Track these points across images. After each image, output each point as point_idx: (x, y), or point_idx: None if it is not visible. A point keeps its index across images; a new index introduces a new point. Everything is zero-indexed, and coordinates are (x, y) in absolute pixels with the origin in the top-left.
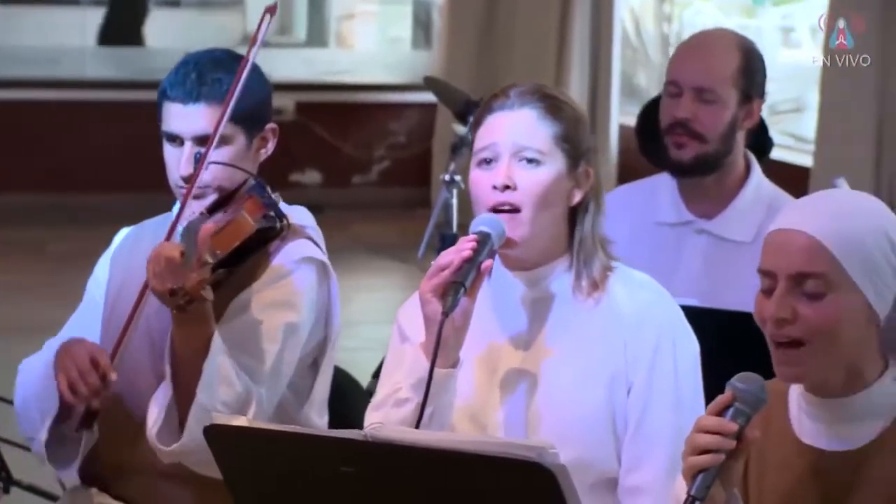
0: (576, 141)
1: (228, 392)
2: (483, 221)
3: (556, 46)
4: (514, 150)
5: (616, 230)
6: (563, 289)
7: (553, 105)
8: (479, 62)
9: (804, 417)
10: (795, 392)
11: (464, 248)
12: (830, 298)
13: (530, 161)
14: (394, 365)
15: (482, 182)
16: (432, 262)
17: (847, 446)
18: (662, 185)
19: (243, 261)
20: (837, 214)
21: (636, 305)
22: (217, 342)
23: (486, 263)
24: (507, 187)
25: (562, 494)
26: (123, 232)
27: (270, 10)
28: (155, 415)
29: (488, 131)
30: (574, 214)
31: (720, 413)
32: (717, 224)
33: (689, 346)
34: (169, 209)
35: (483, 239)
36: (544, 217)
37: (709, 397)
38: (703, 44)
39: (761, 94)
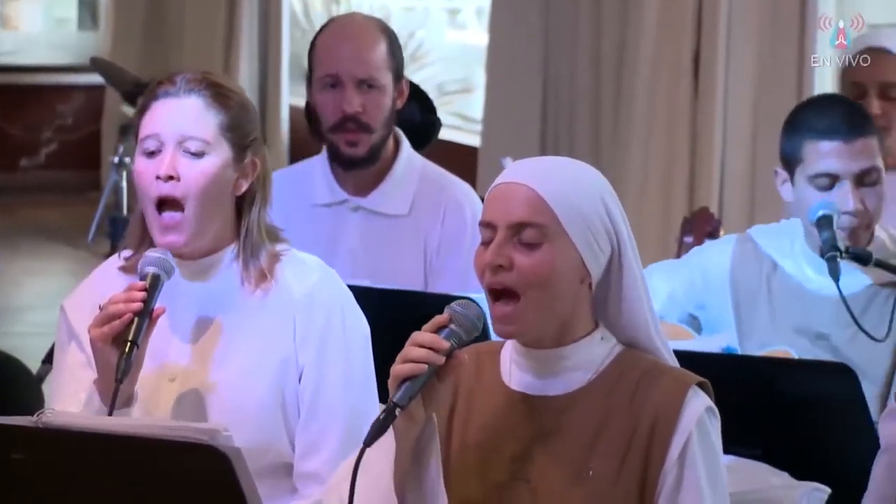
0: (242, 130)
1: None
2: (151, 262)
3: (225, 27)
4: (178, 139)
5: (272, 215)
6: (231, 279)
7: (219, 94)
8: (146, 43)
9: (514, 367)
10: (509, 346)
11: (134, 297)
12: (546, 248)
13: (195, 152)
14: (63, 371)
15: (146, 172)
16: (106, 252)
17: (553, 393)
18: (315, 168)
19: None
20: (558, 173)
21: (305, 288)
22: None
23: (158, 310)
24: (170, 178)
25: (236, 477)
26: None
27: None
28: None
29: (153, 119)
30: (241, 204)
31: (436, 332)
32: (372, 200)
33: (358, 326)
34: None
35: (153, 283)
36: (208, 209)
37: (376, 372)
38: (352, 33)
39: (403, 72)
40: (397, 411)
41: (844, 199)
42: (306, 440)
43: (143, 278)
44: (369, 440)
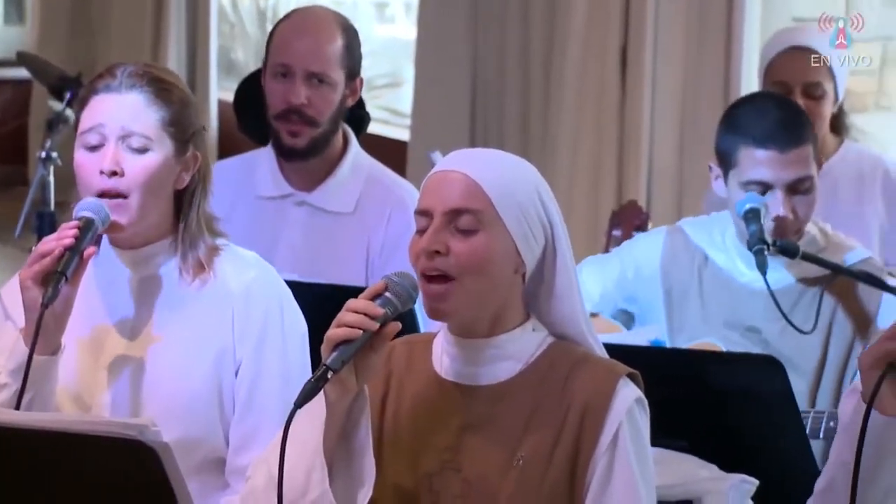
0: (184, 125)
1: None
2: (86, 206)
3: (152, 21)
4: (121, 134)
5: (215, 205)
6: (169, 269)
7: (161, 89)
8: (73, 37)
9: (445, 356)
10: (441, 336)
11: (66, 234)
12: (482, 235)
13: (137, 148)
14: None
15: (89, 166)
16: (33, 247)
17: (484, 382)
18: (261, 160)
19: None
20: (495, 162)
21: (243, 283)
22: None
23: (89, 251)
24: (114, 173)
25: (164, 471)
26: None
27: None
28: None
29: (94, 113)
30: (181, 196)
31: (372, 299)
32: (317, 196)
33: (296, 323)
34: None
35: (86, 225)
36: (151, 202)
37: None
38: (310, 26)
39: (360, 71)
40: (329, 374)
41: (776, 206)
42: (240, 435)
43: (77, 220)
44: (300, 401)
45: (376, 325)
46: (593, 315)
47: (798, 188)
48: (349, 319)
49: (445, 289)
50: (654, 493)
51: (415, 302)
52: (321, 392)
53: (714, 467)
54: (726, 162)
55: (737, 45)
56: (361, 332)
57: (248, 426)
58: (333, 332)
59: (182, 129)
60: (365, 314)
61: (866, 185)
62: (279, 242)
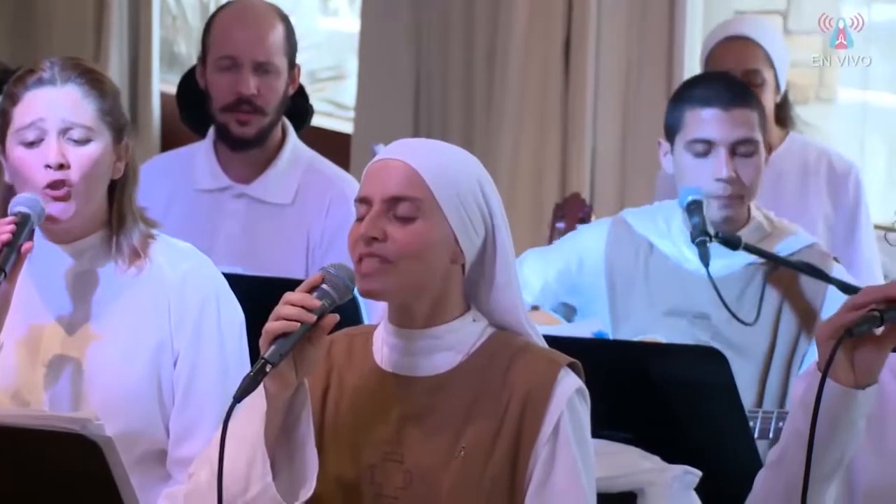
0: (117, 114)
1: None
2: (21, 202)
3: (94, 14)
4: (62, 127)
5: (153, 198)
6: (106, 261)
7: (94, 79)
8: (14, 30)
9: (385, 348)
10: (381, 327)
11: (2, 230)
12: (420, 223)
13: (79, 140)
14: None
15: (33, 162)
16: None
17: (425, 373)
18: (200, 153)
19: None
20: (436, 151)
21: (178, 273)
22: None
23: (27, 246)
24: (61, 166)
25: (107, 465)
26: None
27: None
28: None
29: (31, 109)
30: (112, 186)
31: (309, 291)
32: (256, 187)
33: (233, 313)
34: None
35: (22, 221)
36: (93, 192)
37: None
38: (250, 16)
39: (296, 59)
40: (267, 368)
41: (718, 166)
42: (181, 426)
43: (13, 216)
44: (239, 396)
45: (314, 318)
46: (534, 308)
47: (740, 149)
48: (286, 312)
49: (377, 268)
50: (594, 483)
51: (352, 293)
52: (261, 386)
53: (657, 458)
54: (674, 130)
55: (679, 38)
56: (299, 324)
57: (187, 417)
58: (271, 326)
59: (116, 118)
60: (302, 307)
61: (811, 177)
62: (218, 235)
